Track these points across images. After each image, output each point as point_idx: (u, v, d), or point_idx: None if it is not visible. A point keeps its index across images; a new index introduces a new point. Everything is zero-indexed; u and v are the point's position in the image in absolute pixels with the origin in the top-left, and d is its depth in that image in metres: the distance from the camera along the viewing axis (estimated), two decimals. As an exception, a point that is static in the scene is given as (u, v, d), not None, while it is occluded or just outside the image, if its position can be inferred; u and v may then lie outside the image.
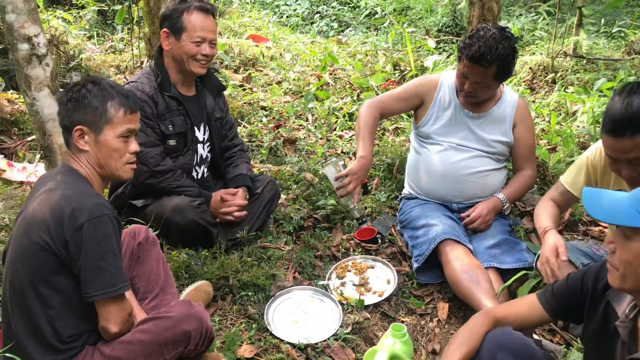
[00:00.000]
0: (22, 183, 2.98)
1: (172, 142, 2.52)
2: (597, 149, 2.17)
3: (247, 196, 2.68)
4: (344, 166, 2.71)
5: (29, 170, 3.15)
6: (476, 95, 2.56)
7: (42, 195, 1.75)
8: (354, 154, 3.66)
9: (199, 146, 2.66)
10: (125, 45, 5.40)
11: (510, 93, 2.71)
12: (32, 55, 2.20)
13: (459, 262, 2.35)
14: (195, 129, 2.62)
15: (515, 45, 2.51)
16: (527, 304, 1.66)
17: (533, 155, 2.74)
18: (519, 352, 1.52)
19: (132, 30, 4.93)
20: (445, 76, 2.79)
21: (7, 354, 1.69)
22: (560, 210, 2.32)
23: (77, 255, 1.66)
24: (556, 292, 1.61)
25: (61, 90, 2.21)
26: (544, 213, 2.27)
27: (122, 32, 5.59)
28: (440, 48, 5.35)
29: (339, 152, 3.68)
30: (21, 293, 1.71)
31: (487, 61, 2.41)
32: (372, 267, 2.64)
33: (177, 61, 2.52)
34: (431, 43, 4.80)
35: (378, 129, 3.84)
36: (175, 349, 1.76)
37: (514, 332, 1.59)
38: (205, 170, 2.74)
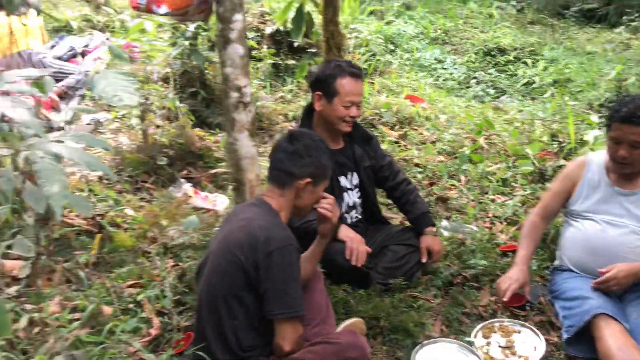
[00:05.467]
0: (207, 210, 3.41)
1: None
2: None
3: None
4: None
5: (210, 199, 3.59)
6: (632, 162, 2.53)
7: (240, 222, 2.07)
8: (506, 219, 3.71)
9: (345, 194, 2.88)
10: (292, 96, 5.91)
11: None
12: (239, 102, 2.59)
13: (614, 339, 2.31)
14: (342, 178, 2.85)
15: None
16: None
17: None
18: None
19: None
20: (592, 156, 2.80)
21: (198, 352, 1.99)
22: None
23: (265, 277, 1.94)
24: None
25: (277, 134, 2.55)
26: None
27: (291, 84, 6.12)
28: (601, 123, 5.23)
29: (489, 215, 3.75)
30: (214, 302, 2.01)
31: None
32: (519, 332, 2.66)
33: (326, 121, 2.76)
34: (594, 118, 4.75)
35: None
36: (336, 374, 1.95)
37: None
38: (356, 215, 2.95)
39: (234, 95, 2.59)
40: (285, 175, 2.08)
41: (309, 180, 2.07)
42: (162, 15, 2.46)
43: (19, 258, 2.61)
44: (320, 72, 2.76)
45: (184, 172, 3.99)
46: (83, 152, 1.51)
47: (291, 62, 6.35)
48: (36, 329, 2.13)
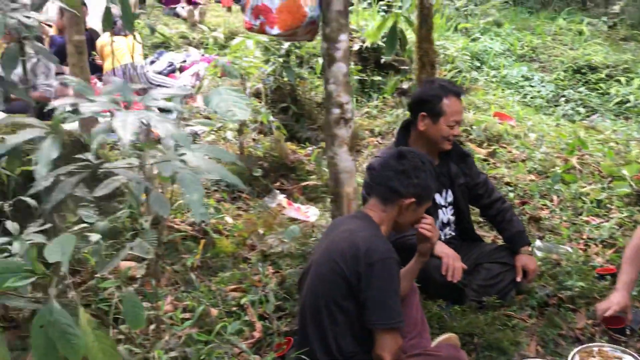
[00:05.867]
0: (301, 221, 3.53)
1: None
2: None
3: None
4: None
5: (302, 211, 3.71)
6: None
7: (343, 233, 2.16)
8: (602, 241, 3.60)
9: (440, 212, 2.91)
10: (378, 112, 6.00)
11: None
12: (341, 118, 2.70)
13: None
14: (436, 195, 2.88)
15: None
16: None
17: None
18: None
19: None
20: None
21: (302, 356, 2.08)
22: None
23: (366, 287, 2.01)
24: None
25: (374, 151, 2.61)
26: None
27: (376, 100, 6.21)
28: None
29: (584, 236, 3.66)
30: (316, 308, 2.10)
31: None
32: (620, 359, 2.59)
33: (429, 140, 2.78)
34: (698, 139, 4.55)
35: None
36: (435, 385, 1.99)
37: None
38: (449, 233, 2.98)
39: (336, 111, 2.69)
40: (391, 193, 2.15)
41: (413, 200, 2.13)
42: (274, 35, 2.60)
43: (131, 259, 2.82)
44: (424, 93, 2.80)
45: (277, 183, 4.15)
46: (216, 163, 1.64)
47: (377, 78, 6.45)
48: (152, 326, 2.30)
